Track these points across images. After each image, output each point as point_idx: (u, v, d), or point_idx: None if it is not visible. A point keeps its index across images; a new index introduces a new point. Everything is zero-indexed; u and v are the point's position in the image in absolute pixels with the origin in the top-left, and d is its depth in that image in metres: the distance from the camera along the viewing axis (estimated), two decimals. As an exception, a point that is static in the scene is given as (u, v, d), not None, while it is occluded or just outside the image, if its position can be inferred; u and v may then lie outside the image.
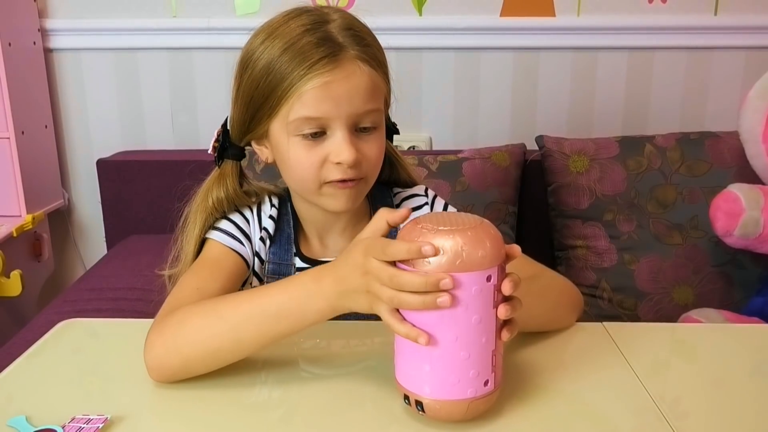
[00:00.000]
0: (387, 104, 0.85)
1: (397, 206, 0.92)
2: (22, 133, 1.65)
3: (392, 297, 0.60)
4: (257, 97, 0.80)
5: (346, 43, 0.77)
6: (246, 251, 0.87)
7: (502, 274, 0.62)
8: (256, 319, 0.69)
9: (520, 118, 1.82)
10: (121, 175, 1.67)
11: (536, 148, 1.56)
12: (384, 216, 0.66)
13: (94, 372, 0.77)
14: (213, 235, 0.86)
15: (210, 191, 0.87)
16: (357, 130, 0.79)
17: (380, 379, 0.71)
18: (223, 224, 0.87)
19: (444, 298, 0.59)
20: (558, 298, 0.85)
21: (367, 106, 0.78)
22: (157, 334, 0.72)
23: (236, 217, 0.88)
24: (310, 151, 0.78)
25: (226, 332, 0.70)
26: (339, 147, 0.77)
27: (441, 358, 0.61)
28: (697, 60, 1.76)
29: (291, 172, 0.81)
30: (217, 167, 0.88)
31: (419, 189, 0.93)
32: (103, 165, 1.68)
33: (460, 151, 1.54)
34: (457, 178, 1.48)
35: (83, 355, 0.83)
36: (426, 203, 0.92)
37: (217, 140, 0.87)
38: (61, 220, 1.90)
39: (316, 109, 0.76)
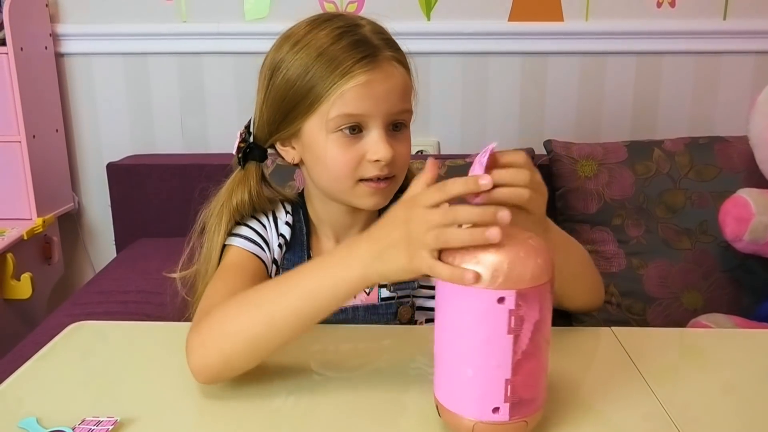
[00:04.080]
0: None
1: None
2: (33, 136, 1.67)
3: (438, 234, 0.58)
4: (292, 97, 0.81)
5: (381, 45, 0.80)
6: (266, 257, 0.88)
7: (529, 303, 0.57)
8: (289, 297, 0.67)
9: (528, 122, 1.81)
10: (131, 178, 1.68)
11: (544, 152, 1.55)
12: (419, 182, 0.64)
13: (104, 374, 0.78)
14: (234, 241, 0.87)
15: (234, 193, 0.87)
16: (390, 129, 0.81)
17: (390, 381, 0.71)
18: (243, 230, 0.88)
19: (493, 231, 0.56)
20: (588, 267, 0.85)
21: (402, 106, 0.81)
22: (195, 336, 0.71)
23: (255, 224, 0.89)
24: (347, 148, 0.80)
25: (262, 317, 0.68)
26: (377, 145, 0.79)
27: (450, 368, 0.59)
28: (706, 64, 1.75)
29: (326, 170, 0.82)
30: (240, 169, 0.88)
31: None
32: (112, 169, 1.69)
33: (468, 156, 1.54)
34: (465, 183, 1.48)
35: (93, 358, 0.83)
36: None
37: (242, 141, 0.88)
38: (71, 223, 1.91)
39: (356, 106, 0.78)
